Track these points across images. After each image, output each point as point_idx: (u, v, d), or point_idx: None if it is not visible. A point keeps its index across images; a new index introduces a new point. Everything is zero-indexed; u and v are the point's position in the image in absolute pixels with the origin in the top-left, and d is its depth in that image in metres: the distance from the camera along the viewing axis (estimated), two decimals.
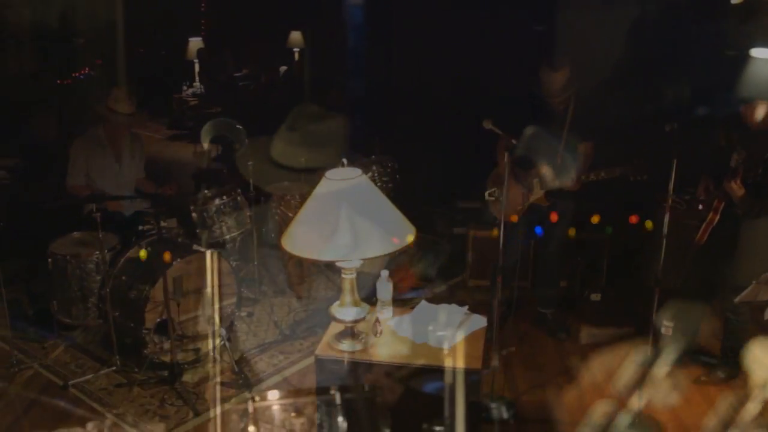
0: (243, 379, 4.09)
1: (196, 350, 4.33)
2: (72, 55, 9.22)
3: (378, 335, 3.05)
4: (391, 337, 3.03)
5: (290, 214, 5.63)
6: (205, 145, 1.81)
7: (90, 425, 3.11)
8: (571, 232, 4.76)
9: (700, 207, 4.46)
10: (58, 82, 9.10)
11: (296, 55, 11.43)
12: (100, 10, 7.90)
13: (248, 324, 4.82)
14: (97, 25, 8.16)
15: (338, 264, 2.78)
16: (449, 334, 3.05)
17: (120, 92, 4.84)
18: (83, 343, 4.52)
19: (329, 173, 2.73)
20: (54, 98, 8.39)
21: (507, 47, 5.76)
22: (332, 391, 2.05)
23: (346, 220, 2.61)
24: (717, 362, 4.27)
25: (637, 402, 3.18)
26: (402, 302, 2.84)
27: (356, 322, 2.91)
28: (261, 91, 11.29)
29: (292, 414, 2.03)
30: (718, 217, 3.94)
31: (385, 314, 3.21)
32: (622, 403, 3.08)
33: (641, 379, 3.07)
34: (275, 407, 2.02)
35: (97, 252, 4.17)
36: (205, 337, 4.36)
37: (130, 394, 3.99)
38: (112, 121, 4.78)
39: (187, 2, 11.97)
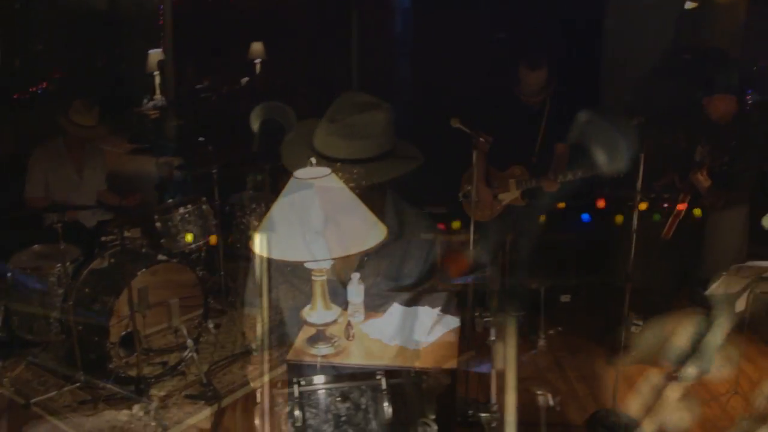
0: (212, 390, 4.00)
1: (163, 363, 4.23)
2: (28, 68, 9.04)
3: (350, 339, 3.00)
4: (364, 340, 2.98)
5: (256, 223, 5.56)
6: (255, 129, 1.78)
7: (136, 407, 3.08)
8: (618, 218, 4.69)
9: (666, 205, 4.51)
10: (15, 96, 8.91)
11: (257, 66, 11.37)
12: (56, 22, 7.78)
13: (216, 335, 4.73)
14: (54, 38, 8.04)
15: (308, 266, 2.72)
16: (422, 336, 3.01)
17: (82, 104, 4.75)
18: (45, 360, 4.38)
19: (298, 172, 2.67)
20: (10, 113, 8.21)
21: (477, 45, 5.78)
22: (378, 377, 2.10)
23: (316, 219, 2.56)
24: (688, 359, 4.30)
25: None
26: (375, 306, 2.81)
27: (328, 325, 2.84)
28: (223, 102, 11.19)
29: (338, 399, 2.07)
30: (684, 211, 3.98)
31: (357, 318, 3.15)
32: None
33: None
34: (321, 392, 2.08)
35: (59, 264, 4.06)
36: (172, 350, 4.26)
37: (95, 411, 3.87)
38: (74, 133, 4.67)
39: (146, 15, 11.83)
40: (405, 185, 2.67)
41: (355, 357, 2.84)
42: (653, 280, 4.35)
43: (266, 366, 2.33)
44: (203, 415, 3.86)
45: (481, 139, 3.45)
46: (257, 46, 11.19)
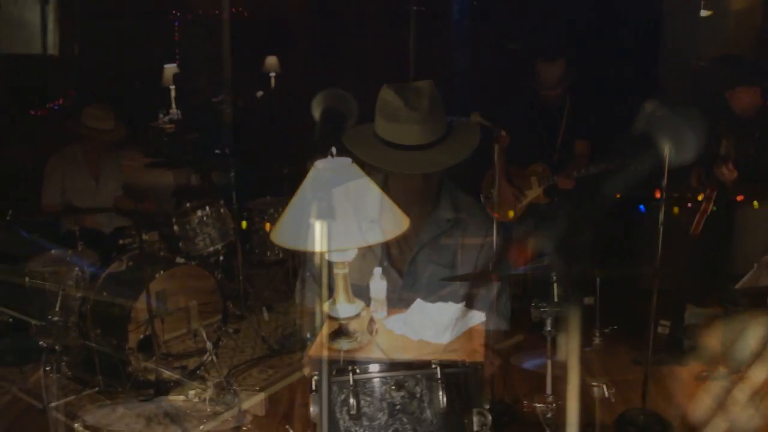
0: (232, 394, 3.94)
1: (182, 368, 4.18)
2: (45, 85, 9.11)
3: (374, 334, 2.93)
4: (387, 335, 2.91)
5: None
6: (316, 116, 1.73)
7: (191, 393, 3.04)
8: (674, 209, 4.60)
9: (689, 204, 4.42)
10: (32, 113, 8.96)
11: (272, 80, 11.41)
12: (71, 38, 7.83)
13: (235, 340, 4.68)
14: (70, 55, 8.09)
15: (330, 259, 2.67)
16: (447, 330, 2.94)
17: (96, 109, 4.73)
18: (64, 365, 4.34)
19: (318, 162, 2.62)
20: (28, 129, 8.25)
21: (496, 38, 5.75)
22: (434, 365, 2.09)
23: (338, 209, 2.51)
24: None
25: None
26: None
27: (351, 319, 2.78)
28: (239, 115, 11.22)
29: (393, 387, 2.06)
30: (711, 206, 3.89)
31: (380, 314, 3.09)
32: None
33: None
34: (375, 380, 2.07)
35: (77, 268, 4.03)
36: (191, 354, 4.21)
37: (114, 415, 3.82)
38: (92, 137, 4.65)
39: (161, 31, 11.93)
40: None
41: (379, 352, 2.78)
42: (682, 278, 4.27)
43: (324, 353, 2.30)
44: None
45: (502, 132, 3.39)
46: (272, 60, 11.25)
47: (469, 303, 2.60)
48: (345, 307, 2.78)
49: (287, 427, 2.46)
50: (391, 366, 2.21)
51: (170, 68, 12.23)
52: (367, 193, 2.59)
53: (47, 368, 4.19)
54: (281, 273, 5.58)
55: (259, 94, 11.43)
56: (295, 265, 5.57)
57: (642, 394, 3.73)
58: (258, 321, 4.89)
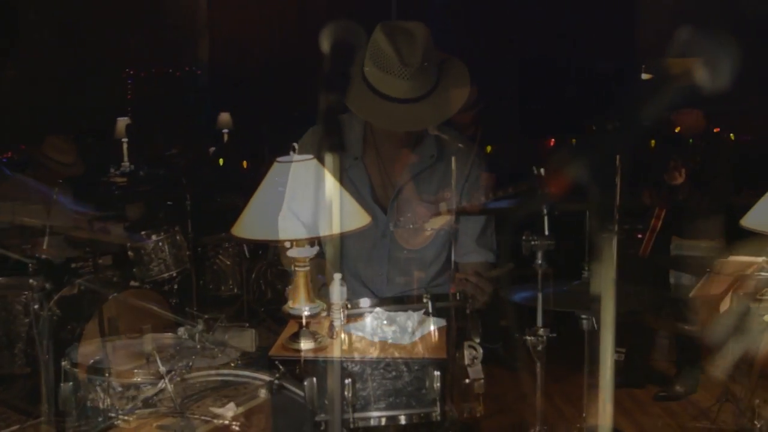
0: (186, 421, 3.81)
1: (134, 397, 4.04)
2: None
3: (334, 337, 2.90)
4: (348, 337, 2.89)
5: (228, 263, 5.46)
6: (325, 49, 1.64)
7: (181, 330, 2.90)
8: None
9: (639, 236, 4.53)
10: None
11: (225, 136, 11.42)
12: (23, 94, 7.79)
13: (187, 371, 4.55)
14: (19, 109, 8.03)
15: (291, 254, 2.66)
16: (407, 332, 2.93)
17: (58, 140, 4.68)
18: (7, 396, 4.16)
19: (280, 158, 2.64)
20: None
21: None
22: (425, 299, 2.21)
23: (299, 201, 2.52)
24: (674, 377, 4.25)
25: None
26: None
27: (312, 317, 2.76)
28: (191, 168, 11.16)
29: (384, 322, 2.17)
30: (660, 225, 4.00)
31: (339, 319, 3.07)
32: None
33: None
34: (367, 315, 2.20)
35: (26, 293, 3.91)
36: (143, 385, 4.08)
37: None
38: (54, 169, 4.58)
39: (113, 90, 11.88)
40: None
41: (341, 351, 2.74)
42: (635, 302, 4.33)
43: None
44: None
45: (460, 144, 3.43)
46: (225, 117, 11.30)
47: (456, 238, 2.55)
48: (306, 306, 2.76)
49: (277, 362, 2.42)
50: (382, 301, 2.35)
51: (123, 120, 12.18)
52: (325, 187, 2.61)
53: None
54: (236, 308, 5.50)
55: (211, 150, 11.42)
56: (249, 301, 5.51)
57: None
58: (212, 355, 4.76)
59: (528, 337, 2.36)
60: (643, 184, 4.13)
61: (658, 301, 4.14)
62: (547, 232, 2.39)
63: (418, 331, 2.99)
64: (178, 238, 4.47)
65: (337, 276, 3.18)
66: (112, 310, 3.85)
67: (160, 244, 4.31)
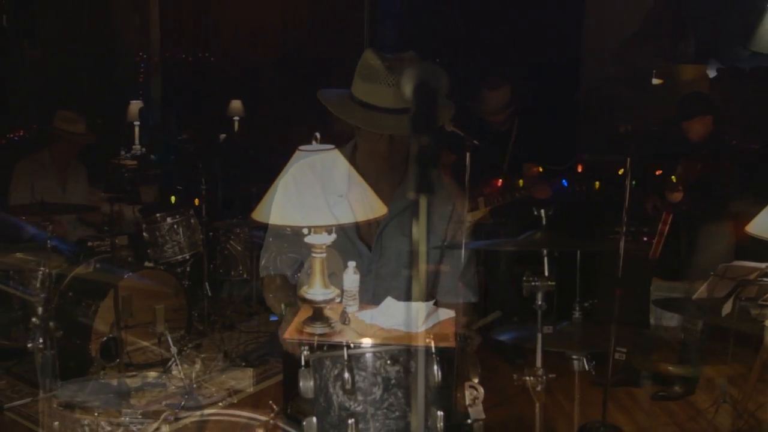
0: (194, 401, 3.90)
1: (144, 377, 4.12)
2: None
3: (347, 323, 2.98)
4: (359, 324, 2.96)
5: (239, 248, 5.54)
6: (407, 92, 1.66)
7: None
8: None
9: (645, 239, 4.60)
10: None
11: (236, 124, 11.47)
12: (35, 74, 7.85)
13: (198, 351, 4.65)
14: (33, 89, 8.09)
15: (308, 241, 2.73)
16: (419, 321, 3.00)
17: (68, 113, 4.75)
18: (22, 369, 4.25)
19: (302, 146, 2.71)
20: None
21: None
22: (428, 340, 2.15)
23: (320, 189, 2.59)
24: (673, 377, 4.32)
25: None
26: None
27: (327, 302, 2.83)
28: (201, 153, 11.21)
29: (388, 362, 2.07)
30: (668, 229, 4.07)
31: (351, 307, 3.14)
32: None
33: None
34: (368, 355, 2.09)
35: (43, 268, 3.98)
36: (154, 365, 4.18)
37: (72, 417, 3.74)
38: (62, 141, 4.66)
39: (127, 71, 11.94)
40: None
41: (353, 336, 2.82)
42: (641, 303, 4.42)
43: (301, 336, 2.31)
44: None
45: (474, 141, 3.51)
46: (236, 104, 11.35)
47: (437, 277, 2.63)
48: (321, 292, 2.84)
49: (270, 402, 2.45)
50: (385, 341, 2.26)
51: (136, 104, 12.24)
52: (344, 174, 2.68)
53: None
54: (245, 292, 5.58)
55: (222, 137, 11.47)
56: (258, 286, 5.59)
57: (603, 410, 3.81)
58: (221, 338, 4.86)
59: (527, 378, 2.38)
60: (648, 192, 4.20)
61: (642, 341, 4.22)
62: (547, 273, 2.43)
63: (429, 320, 3.07)
64: (192, 221, 4.55)
65: (351, 264, 3.26)
66: (127, 291, 3.93)
67: (175, 226, 4.40)
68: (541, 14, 6.09)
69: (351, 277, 3.14)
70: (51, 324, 3.87)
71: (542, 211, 2.45)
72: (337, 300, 2.93)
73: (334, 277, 2.98)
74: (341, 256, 2.83)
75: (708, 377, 4.30)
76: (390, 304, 3.24)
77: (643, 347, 4.39)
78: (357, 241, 2.79)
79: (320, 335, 2.86)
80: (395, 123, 2.44)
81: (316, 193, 2.56)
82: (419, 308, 3.22)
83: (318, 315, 2.88)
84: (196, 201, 4.83)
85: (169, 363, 4.02)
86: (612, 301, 3.36)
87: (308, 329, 2.83)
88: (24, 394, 3.97)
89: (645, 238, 4.66)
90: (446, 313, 3.16)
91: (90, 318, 3.82)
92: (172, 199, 5.64)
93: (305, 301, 2.84)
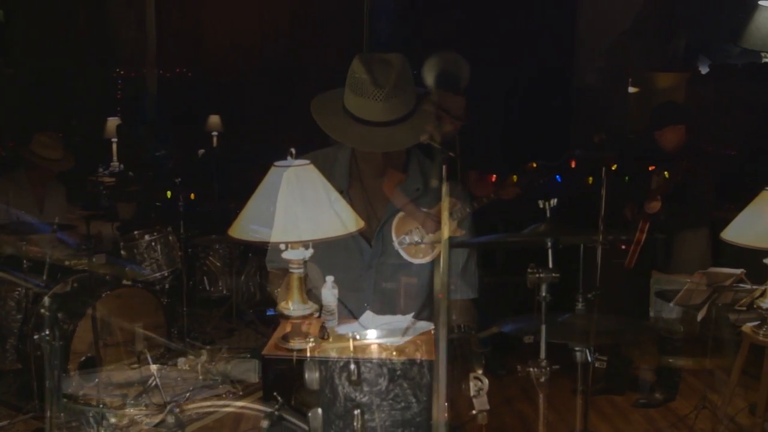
0: (175, 419, 3.86)
1: (124, 395, 4.09)
2: None
3: (326, 338, 2.97)
4: (340, 338, 2.95)
5: (218, 264, 5.52)
6: (429, 82, 1.61)
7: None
8: None
9: (623, 246, 4.62)
10: None
11: (215, 139, 11.43)
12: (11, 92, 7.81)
13: (178, 370, 4.61)
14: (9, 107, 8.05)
15: (285, 256, 2.72)
16: (399, 334, 3.00)
17: (46, 138, 4.72)
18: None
19: (277, 162, 2.71)
20: None
21: None
22: (432, 332, 2.18)
23: (294, 204, 2.59)
24: (653, 385, 4.35)
25: None
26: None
27: (305, 317, 2.82)
28: (179, 168, 11.17)
29: (393, 353, 2.13)
30: (644, 237, 4.09)
31: (330, 322, 3.14)
32: None
33: None
34: (374, 347, 2.18)
35: (19, 288, 3.95)
36: (132, 384, 4.13)
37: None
38: (42, 166, 4.62)
39: (103, 88, 11.88)
40: None
41: (333, 352, 2.81)
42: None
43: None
44: None
45: (450, 153, 3.52)
46: (215, 119, 11.32)
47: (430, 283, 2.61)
48: (299, 307, 2.83)
49: (275, 393, 2.44)
50: (389, 332, 2.38)
51: (113, 120, 12.17)
52: (322, 191, 2.68)
53: None
54: (224, 310, 5.55)
55: (201, 152, 11.42)
56: (238, 302, 5.57)
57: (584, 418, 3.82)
58: (199, 355, 4.82)
59: (531, 369, 2.37)
60: (625, 199, 4.22)
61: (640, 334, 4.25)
62: (551, 265, 2.42)
63: (409, 332, 3.07)
64: (170, 238, 4.53)
65: (330, 279, 3.25)
66: (105, 310, 3.89)
67: (153, 244, 4.37)
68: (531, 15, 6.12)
69: (330, 292, 3.14)
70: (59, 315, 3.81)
71: (546, 203, 2.45)
72: (316, 315, 2.92)
73: (313, 292, 2.98)
74: (342, 251, 2.79)
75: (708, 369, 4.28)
76: (369, 318, 3.24)
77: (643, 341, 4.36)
78: (357, 236, 2.78)
79: (298, 351, 2.85)
80: (387, 137, 2.41)
81: (290, 209, 2.56)
82: (400, 321, 3.22)
83: (296, 330, 2.87)
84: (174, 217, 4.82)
85: (150, 381, 3.99)
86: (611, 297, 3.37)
87: (286, 345, 2.82)
88: (1, 416, 3.92)
89: (623, 246, 4.69)
90: (426, 325, 3.16)
91: (68, 337, 3.78)
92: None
93: (283, 316, 2.83)
